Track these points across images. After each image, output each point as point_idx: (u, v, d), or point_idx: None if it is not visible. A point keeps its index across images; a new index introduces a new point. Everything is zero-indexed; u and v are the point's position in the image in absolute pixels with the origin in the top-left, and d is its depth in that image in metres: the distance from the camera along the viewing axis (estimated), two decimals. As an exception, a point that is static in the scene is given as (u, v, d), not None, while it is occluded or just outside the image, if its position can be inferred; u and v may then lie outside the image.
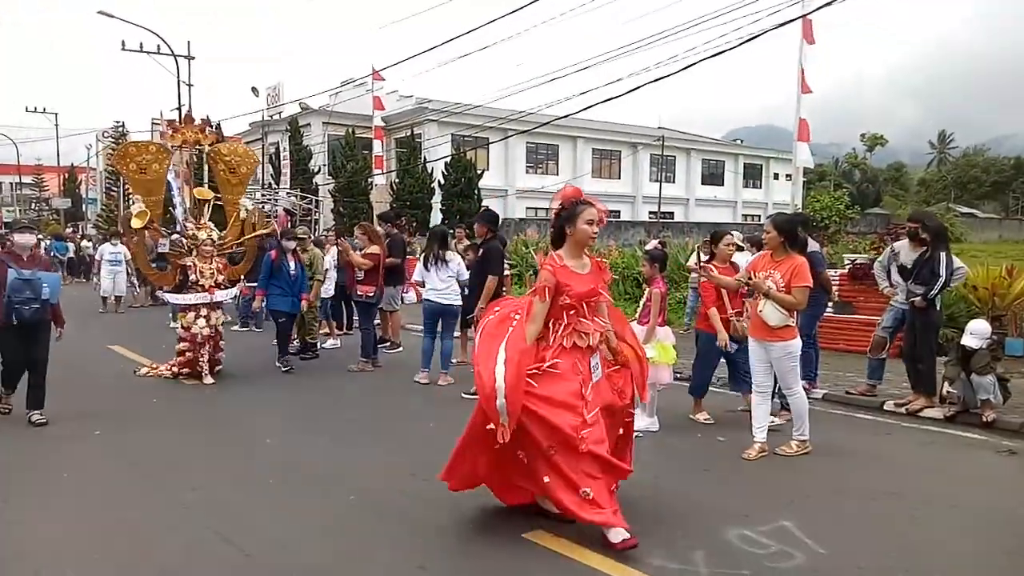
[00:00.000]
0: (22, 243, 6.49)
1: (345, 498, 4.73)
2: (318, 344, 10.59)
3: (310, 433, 6.39)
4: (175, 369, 8.60)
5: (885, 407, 7.41)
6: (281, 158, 34.17)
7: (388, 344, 10.54)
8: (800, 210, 26.76)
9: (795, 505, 4.69)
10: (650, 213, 45.42)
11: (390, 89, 35.01)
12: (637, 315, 6.82)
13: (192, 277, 8.54)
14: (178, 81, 27.25)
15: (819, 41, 13.17)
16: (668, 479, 5.22)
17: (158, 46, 27.57)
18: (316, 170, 34.17)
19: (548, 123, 24.81)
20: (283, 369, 9.03)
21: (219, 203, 9.21)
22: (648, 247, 7.10)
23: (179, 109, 27.85)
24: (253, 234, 9.17)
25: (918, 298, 7.07)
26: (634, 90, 12.88)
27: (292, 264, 9.15)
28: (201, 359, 8.41)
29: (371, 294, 8.92)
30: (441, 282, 8.39)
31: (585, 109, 15.96)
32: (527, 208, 41.17)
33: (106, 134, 40.84)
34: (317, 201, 31.00)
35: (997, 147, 77.70)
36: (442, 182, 32.08)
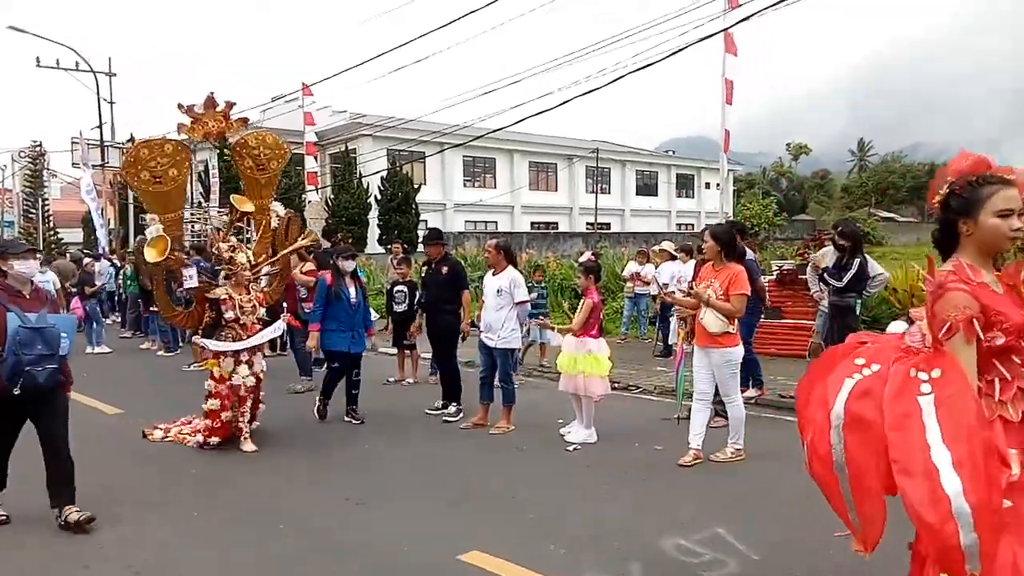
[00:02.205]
0: (24, 273, 4.58)
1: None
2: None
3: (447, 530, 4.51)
4: (204, 435, 6.51)
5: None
6: (210, 175, 33.28)
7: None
8: (731, 218, 27.69)
9: (730, 511, 4.73)
10: (587, 224, 45.89)
11: (322, 104, 34.53)
12: (572, 325, 6.83)
13: (229, 314, 6.52)
14: (98, 98, 26.26)
15: (747, 57, 13.56)
16: (606, 490, 5.20)
17: (76, 63, 26.53)
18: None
19: (483, 136, 24.84)
20: (355, 421, 7.34)
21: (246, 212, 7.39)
22: (582, 259, 7.14)
23: (100, 128, 26.85)
24: (290, 248, 7.28)
25: (838, 283, 7.30)
26: (565, 103, 13.01)
27: (352, 290, 7.41)
28: (241, 419, 6.51)
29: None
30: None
31: (519, 122, 16.02)
32: (466, 221, 41.17)
33: (22, 154, 39.02)
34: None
35: (913, 153, 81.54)
36: (379, 197, 31.72)
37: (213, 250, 6.96)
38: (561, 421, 7.13)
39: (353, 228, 29.17)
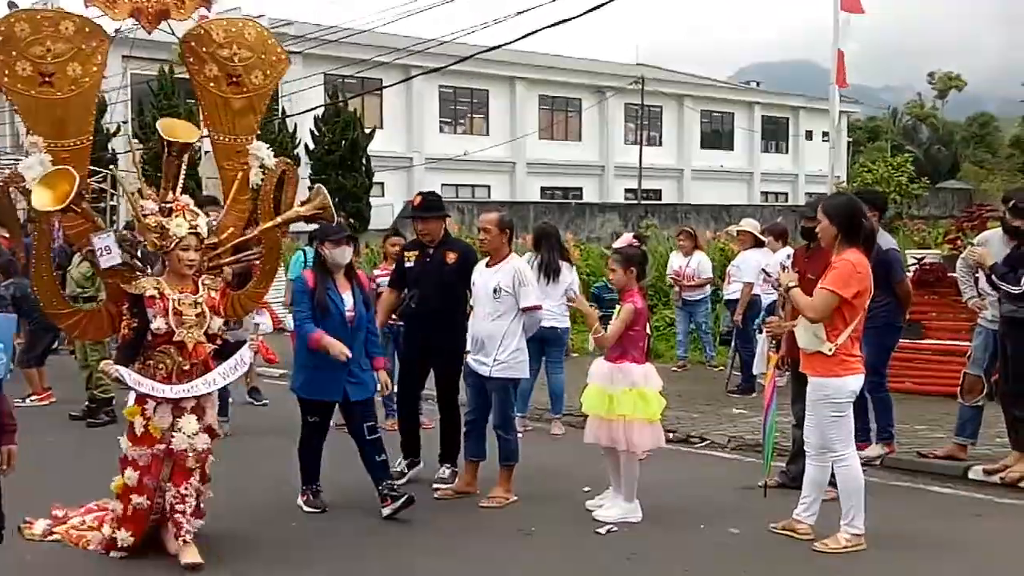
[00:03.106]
0: None
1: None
2: (113, 400, 10.28)
3: None
4: (111, 529, 5.96)
5: (971, 475, 7.60)
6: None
7: (253, 393, 10.90)
8: (842, 182, 27.61)
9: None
10: (627, 191, 46.11)
11: (227, 4, 34.60)
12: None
13: (158, 323, 5.76)
14: None
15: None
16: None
17: None
18: (114, 129, 33.46)
19: (471, 57, 24.85)
20: (387, 511, 6.65)
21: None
22: (618, 244, 7.11)
23: None
24: (282, 218, 6.54)
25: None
26: (597, 7, 13.06)
27: (347, 297, 6.81)
28: (179, 507, 5.80)
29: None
30: (549, 300, 8.69)
31: (526, 36, 16.09)
32: (443, 185, 41.15)
33: None
34: (115, 177, 30.24)
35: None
36: (311, 146, 31.75)
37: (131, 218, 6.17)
38: (588, 489, 7.12)
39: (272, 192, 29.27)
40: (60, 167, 5.72)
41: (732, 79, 75.94)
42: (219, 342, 6.05)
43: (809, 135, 54.06)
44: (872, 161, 28.43)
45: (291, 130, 31.47)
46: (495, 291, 7.04)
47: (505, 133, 43.52)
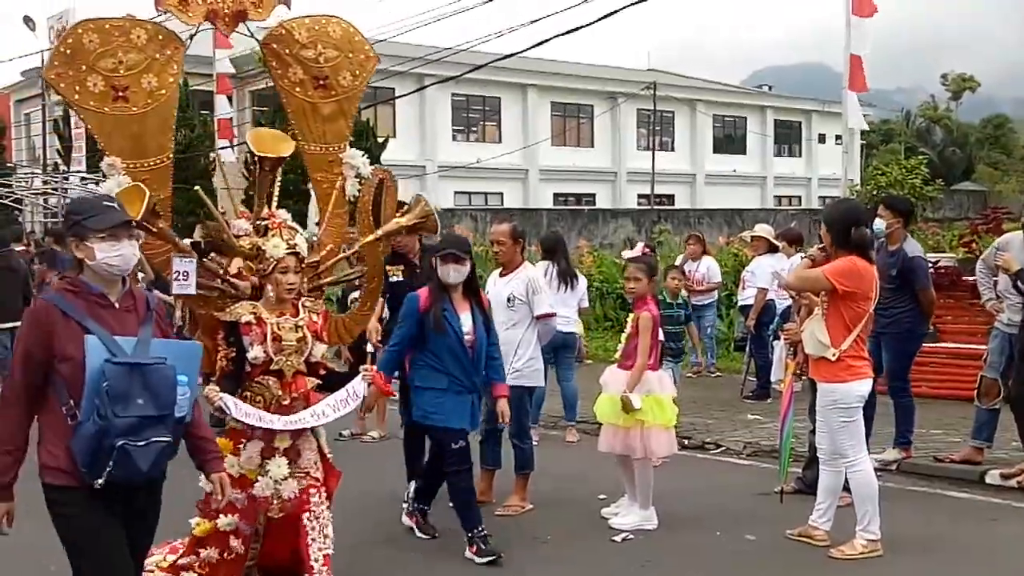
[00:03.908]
0: (116, 264, 3.85)
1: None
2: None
3: None
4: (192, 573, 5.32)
5: (987, 479, 7.59)
6: (72, 125, 33.52)
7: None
8: (855, 184, 27.45)
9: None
10: (639, 197, 46.06)
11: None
12: (619, 353, 6.85)
13: (254, 352, 5.21)
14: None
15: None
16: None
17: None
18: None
19: (485, 66, 24.92)
20: (481, 558, 6.10)
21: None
22: (632, 253, 7.16)
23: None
24: (383, 231, 6.00)
25: None
26: (609, 15, 13.08)
27: (465, 319, 6.27)
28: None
29: None
30: (563, 307, 8.74)
31: (539, 44, 16.12)
32: (456, 192, 41.41)
33: None
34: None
35: None
36: (325, 156, 31.81)
37: (220, 237, 5.69)
38: (604, 497, 7.16)
39: (288, 202, 29.31)
40: (131, 184, 5.21)
41: (744, 83, 75.92)
42: (322, 372, 5.43)
43: (822, 138, 53.87)
44: (886, 164, 28.23)
45: (305, 140, 31.56)
46: (509, 300, 7.08)
47: (518, 140, 43.54)
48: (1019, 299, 7.54)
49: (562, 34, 15.16)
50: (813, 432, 6.75)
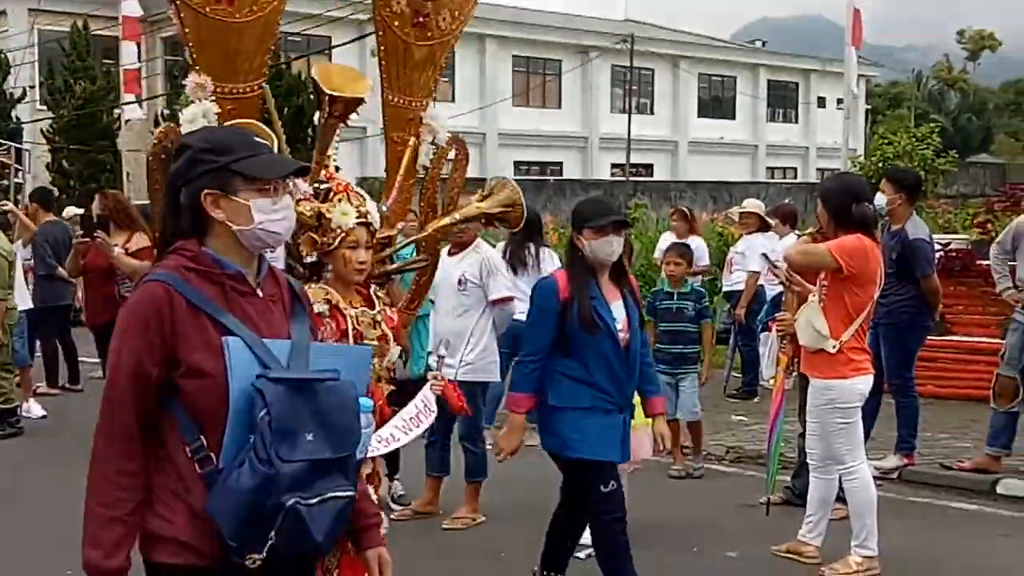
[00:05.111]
0: (278, 233, 3.05)
1: None
2: (19, 409, 10.28)
3: None
4: None
5: (999, 489, 7.71)
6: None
7: None
8: (858, 157, 27.56)
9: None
10: (613, 167, 46.13)
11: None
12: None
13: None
14: None
15: None
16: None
17: None
18: (19, 94, 33.18)
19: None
20: None
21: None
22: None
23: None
24: (458, 216, 5.41)
25: None
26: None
27: (618, 308, 5.54)
28: None
29: None
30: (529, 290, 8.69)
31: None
32: (402, 159, 41.18)
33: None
34: (19, 150, 30.06)
35: None
36: (252, 114, 31.56)
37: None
38: (566, 508, 7.17)
39: (206, 169, 29.12)
40: (241, 121, 4.66)
41: (734, 38, 76.20)
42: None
43: (821, 102, 54.21)
44: (893, 132, 28.37)
45: (227, 95, 31.31)
46: (460, 282, 7.04)
47: (474, 99, 43.39)
48: None
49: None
50: (803, 436, 6.81)
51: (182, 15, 5.02)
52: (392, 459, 7.39)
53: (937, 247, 11.71)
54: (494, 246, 8.59)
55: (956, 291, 11.15)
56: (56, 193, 17.50)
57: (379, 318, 4.60)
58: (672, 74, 50.46)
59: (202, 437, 2.78)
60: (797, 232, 9.94)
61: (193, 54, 4.97)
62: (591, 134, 47.62)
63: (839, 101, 44.27)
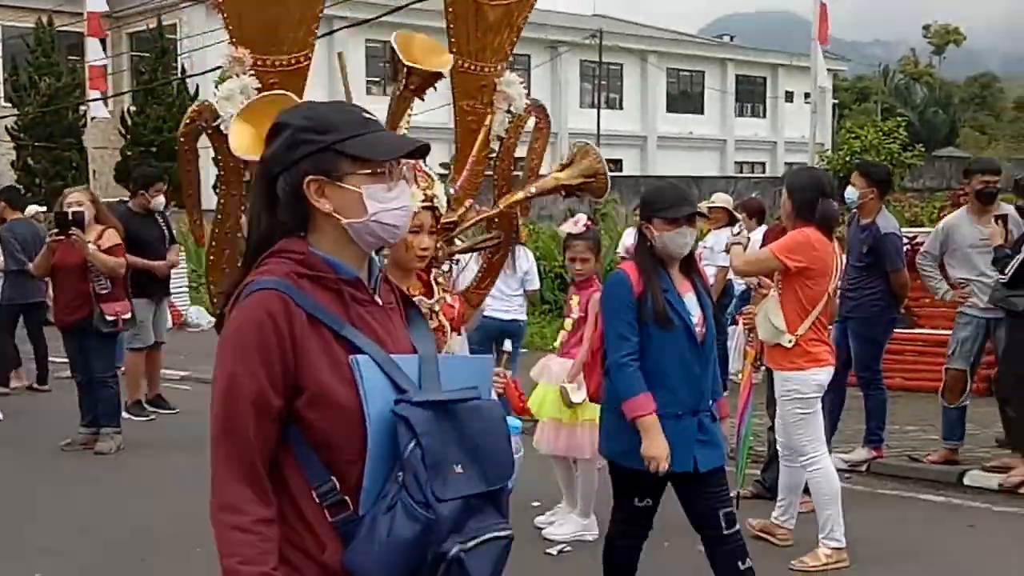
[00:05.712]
0: (396, 226, 2.55)
1: None
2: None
3: None
4: None
5: (967, 480, 7.79)
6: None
7: (157, 403, 10.76)
8: (826, 151, 27.64)
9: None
10: (582, 161, 46.10)
11: (118, -54, 34.12)
12: (560, 340, 6.90)
13: None
14: None
15: None
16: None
17: None
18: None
19: (402, 8, 24.76)
20: None
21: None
22: (572, 227, 7.19)
23: None
24: (534, 188, 5.07)
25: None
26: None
27: (691, 302, 5.12)
28: None
29: (126, 316, 9.42)
30: (507, 289, 8.90)
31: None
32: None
33: None
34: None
35: None
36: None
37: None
38: (537, 504, 7.21)
39: (172, 166, 28.98)
40: (273, 93, 4.20)
41: (702, 33, 76.43)
42: None
43: (789, 97, 54.36)
44: (860, 126, 28.69)
45: (192, 92, 31.09)
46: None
47: (440, 96, 43.11)
48: (992, 279, 7.67)
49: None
50: (772, 429, 6.87)
51: None
52: None
53: (904, 241, 11.87)
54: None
55: (922, 284, 11.19)
56: (22, 191, 17.41)
57: (436, 307, 4.29)
58: (641, 69, 50.54)
59: (332, 478, 2.31)
60: (761, 229, 10.00)
61: (229, 25, 4.52)
62: (560, 129, 47.50)
63: (807, 96, 44.53)
